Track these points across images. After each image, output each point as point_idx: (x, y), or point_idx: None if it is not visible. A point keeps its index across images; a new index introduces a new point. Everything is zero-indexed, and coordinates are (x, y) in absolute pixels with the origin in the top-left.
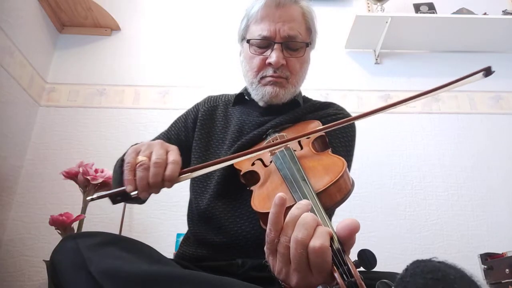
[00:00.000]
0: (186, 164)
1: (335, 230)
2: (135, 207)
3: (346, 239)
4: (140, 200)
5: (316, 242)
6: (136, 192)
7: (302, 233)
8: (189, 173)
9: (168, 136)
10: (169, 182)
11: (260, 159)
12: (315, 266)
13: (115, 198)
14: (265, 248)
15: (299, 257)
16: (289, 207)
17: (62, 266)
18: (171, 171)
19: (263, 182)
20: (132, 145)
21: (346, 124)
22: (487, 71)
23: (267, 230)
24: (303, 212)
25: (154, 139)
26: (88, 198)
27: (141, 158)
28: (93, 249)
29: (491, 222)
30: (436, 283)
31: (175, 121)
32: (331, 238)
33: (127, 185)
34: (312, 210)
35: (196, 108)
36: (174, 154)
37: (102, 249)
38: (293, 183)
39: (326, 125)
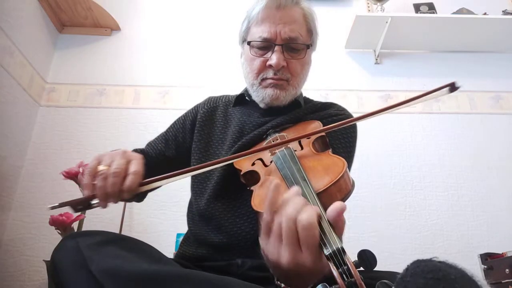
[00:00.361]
0: (184, 165)
1: (338, 236)
2: (135, 207)
3: (334, 219)
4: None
5: (303, 215)
6: (96, 201)
7: (291, 209)
8: (151, 184)
9: (166, 137)
10: (127, 192)
11: (261, 159)
12: (303, 240)
13: (76, 207)
14: (261, 233)
15: (289, 231)
16: None
17: (62, 265)
18: (129, 182)
19: (263, 182)
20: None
21: (345, 126)
22: (452, 87)
23: (264, 214)
24: (296, 196)
25: (153, 140)
26: (49, 206)
27: (101, 167)
28: (94, 248)
29: (491, 222)
30: (436, 282)
31: (174, 122)
32: (325, 240)
33: (85, 190)
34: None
35: (196, 109)
36: (135, 164)
37: (103, 248)
38: (293, 183)
39: (326, 127)
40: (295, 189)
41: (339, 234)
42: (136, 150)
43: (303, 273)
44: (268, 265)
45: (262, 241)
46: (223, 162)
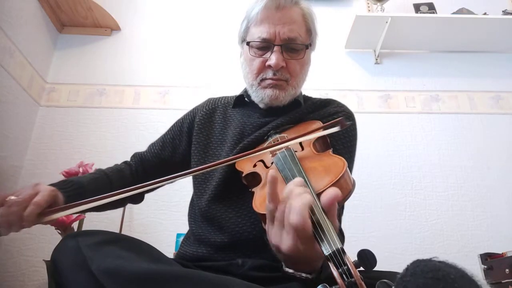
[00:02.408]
0: (180, 168)
1: (341, 230)
2: (135, 207)
3: (327, 204)
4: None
5: (298, 202)
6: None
7: (289, 188)
8: (55, 213)
9: (163, 140)
10: (27, 222)
11: (262, 161)
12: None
13: None
14: (267, 219)
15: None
16: None
17: (63, 265)
18: (28, 212)
19: (265, 184)
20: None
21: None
22: (342, 124)
23: (267, 203)
24: (298, 186)
25: (153, 142)
26: None
27: (12, 197)
28: (94, 248)
29: (491, 222)
30: (436, 282)
31: (172, 125)
32: (325, 240)
33: None
34: (312, 210)
35: (194, 112)
36: (40, 196)
37: (103, 248)
38: None
39: (324, 124)
40: (297, 181)
41: (332, 219)
42: (135, 154)
43: (302, 259)
44: (273, 249)
45: (267, 226)
46: (219, 165)
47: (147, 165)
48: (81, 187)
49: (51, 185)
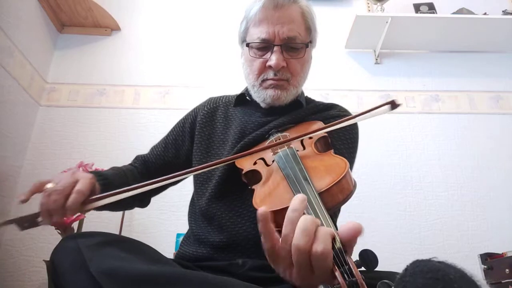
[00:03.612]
0: (184, 168)
1: (337, 229)
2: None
3: (348, 242)
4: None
5: (319, 247)
6: (40, 219)
7: (304, 241)
8: (96, 202)
9: (166, 142)
10: (70, 210)
11: (262, 159)
12: (317, 268)
13: (22, 224)
14: (268, 258)
15: (301, 262)
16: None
17: (62, 266)
18: (71, 200)
19: (265, 181)
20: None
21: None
22: (393, 105)
23: (262, 241)
24: (301, 214)
25: (156, 144)
26: None
27: (48, 185)
28: (94, 249)
29: (491, 222)
30: (435, 282)
31: (174, 126)
32: (333, 239)
33: (20, 196)
34: (314, 210)
35: (195, 111)
36: (82, 184)
37: (103, 249)
38: (295, 183)
39: (328, 125)
40: (299, 203)
41: (350, 253)
42: (138, 157)
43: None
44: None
45: (270, 262)
46: (222, 163)
47: (151, 167)
48: (107, 179)
49: None
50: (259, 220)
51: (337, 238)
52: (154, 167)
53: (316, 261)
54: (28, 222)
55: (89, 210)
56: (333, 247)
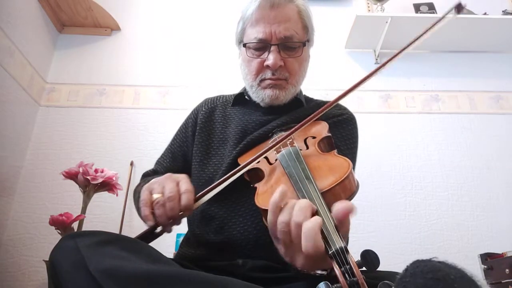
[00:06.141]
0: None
1: (337, 229)
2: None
3: (339, 219)
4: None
5: (308, 225)
6: (160, 228)
7: (298, 217)
8: (205, 196)
9: (172, 151)
10: (187, 211)
11: (265, 157)
12: (308, 243)
13: (146, 240)
14: (273, 239)
15: (297, 238)
16: None
17: (61, 265)
18: (186, 201)
19: (268, 180)
20: (144, 183)
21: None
22: (458, 8)
23: (269, 215)
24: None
25: (160, 157)
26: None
27: (155, 196)
28: (93, 248)
29: (491, 222)
30: (436, 283)
31: (176, 133)
32: (328, 239)
33: (147, 221)
34: (316, 209)
35: (195, 114)
36: (184, 183)
37: (102, 248)
38: (298, 182)
39: (317, 111)
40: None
41: (344, 234)
42: (148, 173)
43: (317, 267)
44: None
45: (275, 242)
46: (243, 169)
47: None
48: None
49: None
50: (270, 210)
51: (335, 238)
52: None
53: (302, 234)
54: (149, 238)
55: (198, 207)
56: (331, 247)
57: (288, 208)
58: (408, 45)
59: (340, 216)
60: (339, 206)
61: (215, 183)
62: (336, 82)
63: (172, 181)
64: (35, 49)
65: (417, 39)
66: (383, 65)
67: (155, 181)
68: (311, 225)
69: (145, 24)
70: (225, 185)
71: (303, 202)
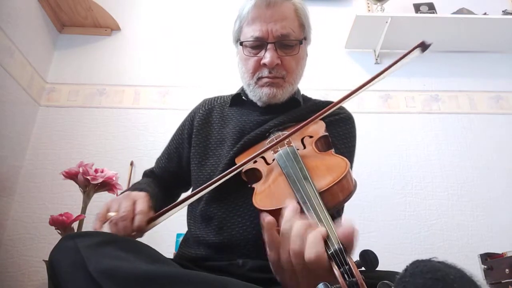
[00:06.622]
0: (189, 176)
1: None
2: None
3: (345, 241)
4: None
5: (311, 251)
6: None
7: (297, 244)
8: (159, 218)
9: (168, 152)
10: (138, 232)
11: (263, 157)
12: (315, 270)
13: None
14: (272, 268)
15: (300, 267)
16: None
17: (61, 266)
18: (137, 222)
19: (265, 180)
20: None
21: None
22: (423, 46)
23: (268, 252)
24: (293, 223)
25: (159, 157)
26: None
27: (110, 214)
28: (92, 249)
29: (491, 222)
30: (435, 283)
31: (173, 135)
32: (328, 239)
33: None
34: (314, 210)
35: (192, 116)
36: (140, 203)
37: (101, 248)
38: (295, 182)
39: (318, 113)
40: (291, 213)
41: (350, 252)
42: (146, 173)
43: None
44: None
45: (275, 274)
46: (230, 174)
47: (161, 182)
48: (153, 196)
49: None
50: (265, 228)
51: (334, 238)
52: (164, 181)
53: (311, 265)
54: None
55: (151, 228)
56: (330, 248)
57: (287, 239)
58: (377, 76)
59: (344, 238)
60: (342, 230)
61: (172, 204)
62: (336, 82)
63: (129, 200)
64: (35, 49)
65: (385, 71)
66: (381, 72)
67: (115, 198)
68: (314, 233)
69: (145, 24)
70: (184, 205)
71: (297, 226)
